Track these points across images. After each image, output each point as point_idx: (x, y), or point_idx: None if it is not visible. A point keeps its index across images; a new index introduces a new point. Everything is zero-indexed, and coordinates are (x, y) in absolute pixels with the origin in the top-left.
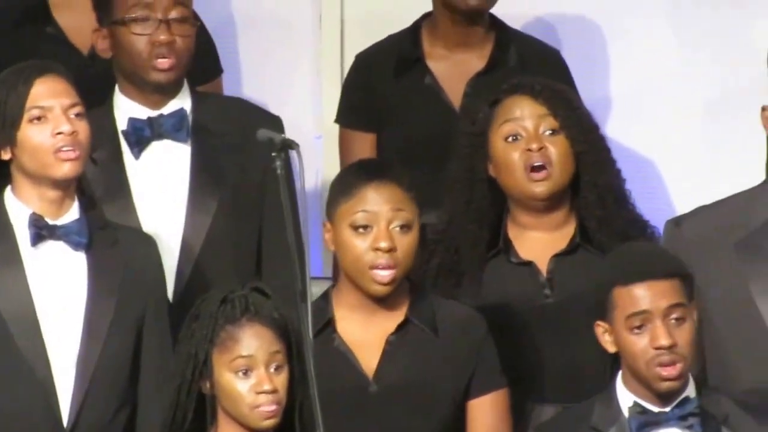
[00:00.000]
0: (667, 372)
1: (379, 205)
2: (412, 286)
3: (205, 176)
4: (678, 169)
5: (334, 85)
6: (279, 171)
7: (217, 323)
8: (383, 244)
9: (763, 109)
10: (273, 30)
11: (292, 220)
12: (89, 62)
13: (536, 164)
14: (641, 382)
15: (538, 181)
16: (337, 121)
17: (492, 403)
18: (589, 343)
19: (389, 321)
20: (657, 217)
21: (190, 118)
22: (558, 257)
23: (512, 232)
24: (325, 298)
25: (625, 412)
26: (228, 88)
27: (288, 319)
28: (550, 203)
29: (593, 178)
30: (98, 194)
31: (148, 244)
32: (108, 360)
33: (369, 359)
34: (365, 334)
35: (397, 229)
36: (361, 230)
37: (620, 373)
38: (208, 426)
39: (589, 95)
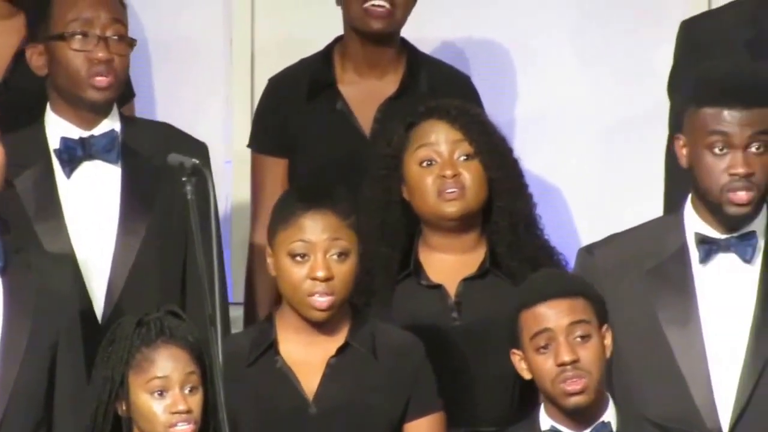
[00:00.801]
0: (570, 387)
1: (316, 234)
2: (353, 309)
3: (135, 199)
4: (582, 194)
5: (245, 110)
6: (189, 196)
7: (132, 345)
8: (320, 274)
9: (677, 138)
10: (184, 54)
11: (202, 245)
12: (2, 88)
13: (449, 191)
14: (553, 403)
15: (450, 200)
16: (249, 145)
17: (428, 426)
18: (496, 367)
19: (330, 344)
20: (561, 243)
21: (119, 140)
22: (467, 281)
23: (423, 255)
24: (269, 320)
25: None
26: (139, 112)
27: (203, 342)
28: (461, 225)
29: (506, 204)
30: (29, 213)
31: (61, 266)
32: (24, 383)
33: (310, 381)
34: (307, 356)
35: (335, 257)
36: (298, 258)
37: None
38: None
39: (498, 119)
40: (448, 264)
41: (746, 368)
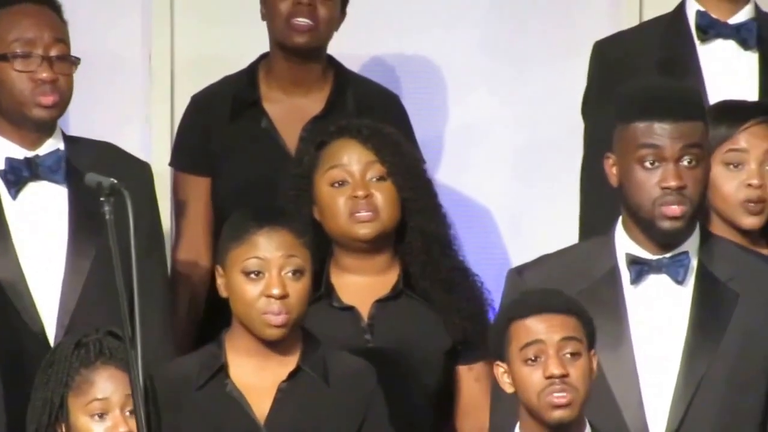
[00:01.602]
0: (557, 399)
1: (270, 251)
2: (305, 334)
3: (83, 220)
4: (512, 212)
5: (164, 128)
6: (108, 216)
7: (71, 367)
8: (275, 291)
9: (606, 157)
10: (102, 70)
11: (121, 265)
12: None
13: (362, 213)
14: (536, 417)
15: (362, 222)
16: (171, 164)
17: None
18: (412, 387)
19: (281, 368)
20: (488, 265)
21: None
22: (380, 303)
23: (335, 277)
24: (218, 343)
25: None
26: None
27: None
28: (373, 247)
29: (419, 225)
30: None
31: None
32: None
33: (261, 405)
34: (257, 380)
35: (290, 275)
36: (252, 276)
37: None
38: None
39: (428, 137)
40: (360, 286)
41: (678, 392)
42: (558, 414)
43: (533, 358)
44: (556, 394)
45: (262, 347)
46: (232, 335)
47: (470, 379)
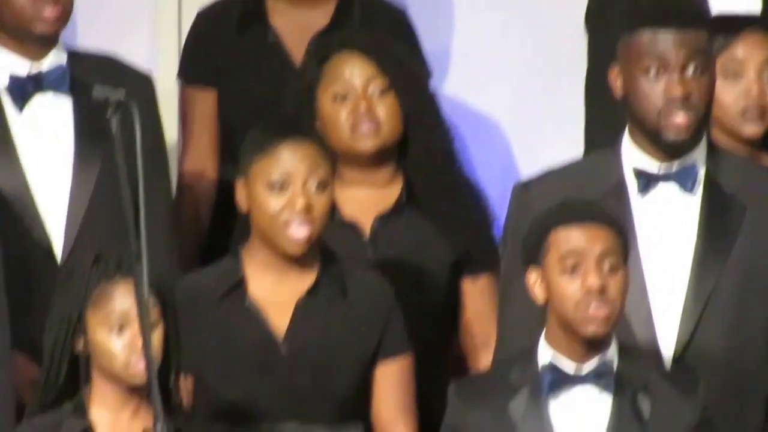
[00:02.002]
0: (594, 313)
1: (295, 163)
2: (323, 249)
3: (88, 132)
4: (518, 127)
5: (171, 42)
6: (113, 131)
7: (90, 281)
8: (300, 203)
9: (611, 68)
10: None
11: (127, 180)
12: None
13: (364, 126)
14: (567, 329)
15: (364, 136)
16: (178, 76)
17: (397, 368)
18: (413, 303)
19: (300, 283)
20: (498, 176)
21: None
22: (382, 217)
23: (337, 191)
24: (235, 257)
25: (540, 370)
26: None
27: (161, 276)
28: (376, 160)
29: (422, 139)
30: None
31: None
32: None
33: (279, 320)
34: (276, 295)
35: (314, 188)
36: (276, 189)
37: (543, 330)
38: (82, 386)
39: (434, 51)
40: (362, 200)
41: (688, 304)
42: (593, 328)
43: (572, 269)
44: (593, 308)
45: (281, 262)
46: (250, 249)
47: (475, 292)
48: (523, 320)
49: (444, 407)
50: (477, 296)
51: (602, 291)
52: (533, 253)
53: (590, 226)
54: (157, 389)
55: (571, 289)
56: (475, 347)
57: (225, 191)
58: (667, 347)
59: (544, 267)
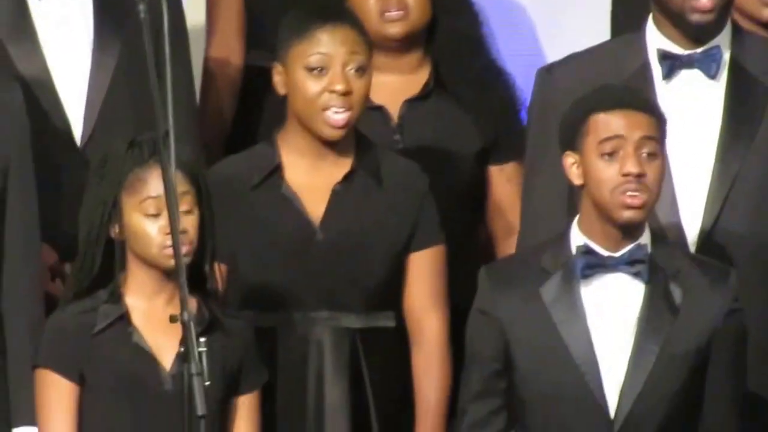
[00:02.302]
0: (631, 199)
1: (335, 47)
2: (359, 135)
3: (108, 17)
4: (544, 12)
5: None
6: (142, 15)
7: (125, 166)
8: (339, 87)
9: None
10: None
11: (155, 66)
12: None
13: (392, 11)
14: (602, 214)
15: (393, 21)
16: None
17: (430, 257)
18: (440, 189)
19: (336, 169)
20: (520, 64)
21: None
22: (410, 102)
23: None
24: (271, 143)
25: (574, 255)
26: None
27: (196, 162)
28: (404, 45)
29: (450, 24)
30: (2, 35)
31: (9, 90)
32: None
33: (315, 207)
34: (312, 181)
35: (353, 71)
36: (315, 72)
37: (577, 216)
38: (117, 273)
39: None
40: (390, 85)
41: (712, 188)
42: (629, 214)
43: (610, 154)
44: (630, 194)
45: (317, 147)
46: (286, 135)
47: (501, 179)
48: (546, 206)
49: (471, 293)
50: (503, 183)
51: (640, 177)
52: (571, 136)
53: (631, 112)
54: (184, 276)
55: (608, 173)
56: (501, 234)
57: (251, 78)
58: (692, 231)
59: (581, 151)
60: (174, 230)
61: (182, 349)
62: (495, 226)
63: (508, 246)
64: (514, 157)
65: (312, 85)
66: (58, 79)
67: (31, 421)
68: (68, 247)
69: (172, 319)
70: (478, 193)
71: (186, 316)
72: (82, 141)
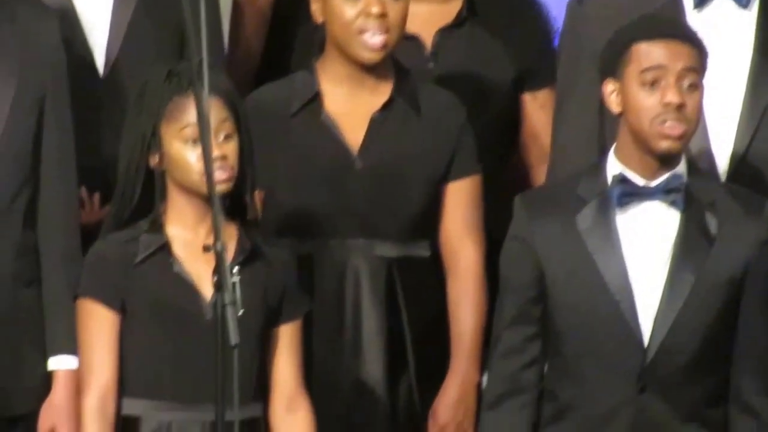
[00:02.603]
0: (670, 129)
1: None
2: (397, 65)
3: None
4: None
5: None
6: None
7: (164, 96)
8: (374, 9)
9: None
10: None
11: None
12: None
13: None
14: (640, 143)
15: None
16: None
17: (467, 186)
18: (474, 116)
19: (375, 97)
20: None
21: None
22: (444, 30)
23: None
24: (310, 71)
25: (610, 183)
26: None
27: (235, 91)
28: None
29: None
30: None
31: (47, 20)
32: (10, 140)
33: (354, 135)
34: (351, 109)
35: None
36: None
37: (614, 145)
38: (158, 203)
39: None
40: (424, 14)
41: (744, 116)
42: (667, 144)
43: (652, 83)
44: (669, 124)
45: (356, 75)
46: (324, 62)
47: (535, 106)
48: (576, 138)
49: (506, 222)
50: (537, 110)
51: (680, 108)
52: (612, 64)
53: (674, 42)
54: (218, 205)
55: (648, 103)
56: (535, 161)
57: (280, 8)
58: (722, 159)
59: (622, 79)
60: (207, 159)
61: (215, 279)
62: (529, 153)
63: (542, 172)
64: (547, 84)
65: (348, 10)
66: (81, 8)
67: (67, 351)
68: (83, 177)
69: (206, 248)
70: (512, 120)
71: (219, 246)
72: (104, 70)
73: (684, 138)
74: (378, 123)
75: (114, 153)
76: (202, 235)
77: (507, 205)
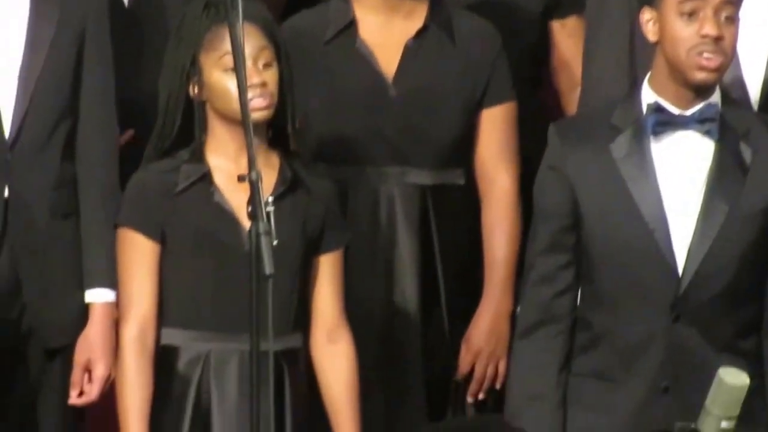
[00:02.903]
0: (707, 61)
1: None
2: None
3: None
4: None
5: None
6: None
7: (201, 26)
8: None
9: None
10: None
11: None
12: None
13: None
14: (675, 74)
15: None
16: None
17: (502, 113)
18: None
19: (409, 25)
20: None
21: None
22: None
23: None
24: None
25: (645, 112)
26: None
27: (273, 20)
28: None
29: None
30: None
31: None
32: (50, 73)
33: (389, 62)
34: (385, 37)
35: None
36: None
37: (648, 74)
38: (198, 132)
39: None
40: None
41: None
42: (703, 76)
43: (690, 14)
44: (706, 55)
45: (390, 2)
46: None
47: (563, 34)
48: (607, 68)
49: (538, 151)
50: (565, 38)
51: (717, 40)
52: None
53: None
54: (251, 135)
55: (686, 33)
56: (565, 88)
57: None
58: (754, 88)
59: (660, 8)
60: (241, 85)
61: (250, 209)
62: (560, 81)
63: (572, 101)
64: (574, 12)
65: None
66: None
67: (104, 284)
68: None
69: (241, 178)
70: (542, 49)
71: (254, 175)
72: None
73: (720, 70)
74: (412, 50)
75: (138, 85)
76: (243, 165)
77: (537, 134)
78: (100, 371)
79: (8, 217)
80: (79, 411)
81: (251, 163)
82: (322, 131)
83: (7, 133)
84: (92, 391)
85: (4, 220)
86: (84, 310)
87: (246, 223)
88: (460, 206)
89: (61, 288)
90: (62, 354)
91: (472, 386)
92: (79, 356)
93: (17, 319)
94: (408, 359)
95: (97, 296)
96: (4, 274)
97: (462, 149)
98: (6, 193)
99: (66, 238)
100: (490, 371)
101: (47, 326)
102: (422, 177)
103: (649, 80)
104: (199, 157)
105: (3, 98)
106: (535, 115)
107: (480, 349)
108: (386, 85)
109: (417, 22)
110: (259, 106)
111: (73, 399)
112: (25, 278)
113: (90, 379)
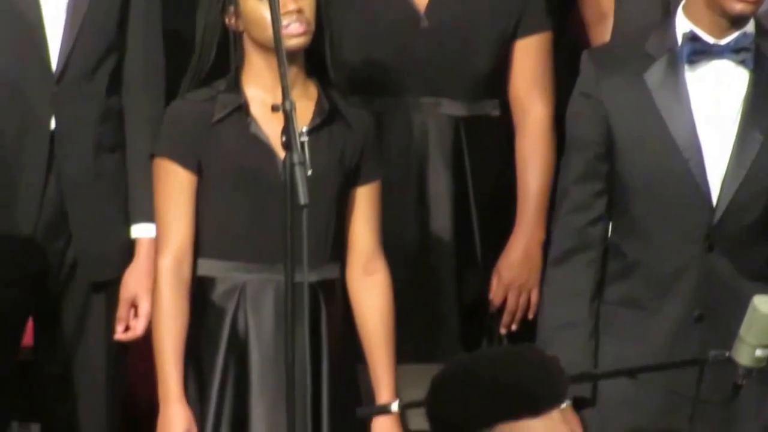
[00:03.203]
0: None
1: None
2: None
3: None
4: None
5: None
6: None
7: None
8: None
9: None
10: None
11: None
12: None
13: None
14: (713, 4)
15: None
16: None
17: (537, 43)
18: None
19: None
20: None
21: None
22: None
23: None
24: None
25: (680, 41)
26: None
27: None
28: None
29: None
30: None
31: None
32: (97, 8)
33: None
34: None
35: None
36: None
37: (682, 2)
38: (234, 62)
39: None
40: None
41: None
42: (741, 7)
43: None
44: None
45: None
46: None
47: None
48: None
49: (567, 83)
50: None
51: None
52: None
53: None
54: (285, 64)
55: None
56: (592, 19)
57: None
58: None
59: None
60: (275, 16)
61: (284, 139)
62: (586, 13)
63: (599, 32)
64: None
65: None
66: None
67: (150, 218)
68: None
69: (274, 108)
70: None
71: (288, 105)
72: None
73: (759, 2)
74: None
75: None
76: (279, 95)
77: (566, 64)
78: (146, 307)
79: (55, 150)
80: (124, 346)
81: (285, 93)
82: (355, 62)
83: (53, 66)
84: (138, 327)
85: (50, 152)
86: (130, 245)
87: (282, 154)
88: (495, 138)
89: (107, 221)
90: (109, 287)
91: (505, 317)
92: (125, 291)
93: (63, 250)
94: (442, 290)
95: (144, 231)
96: (50, 205)
97: (497, 81)
98: (53, 125)
99: (112, 172)
100: (522, 301)
101: (93, 259)
102: (456, 108)
103: (683, 8)
104: (235, 87)
105: (51, 32)
106: (562, 46)
107: (511, 281)
108: (418, 16)
109: None
110: (295, 32)
111: (119, 334)
112: (71, 210)
113: (136, 315)
